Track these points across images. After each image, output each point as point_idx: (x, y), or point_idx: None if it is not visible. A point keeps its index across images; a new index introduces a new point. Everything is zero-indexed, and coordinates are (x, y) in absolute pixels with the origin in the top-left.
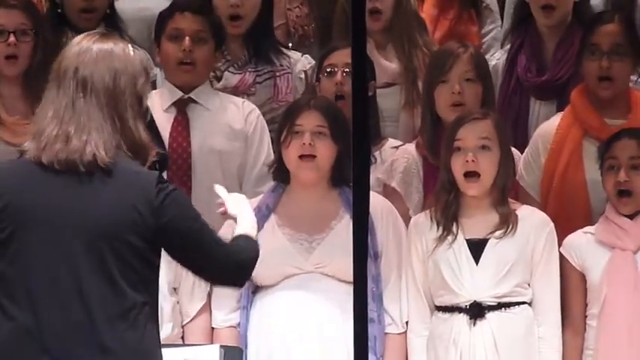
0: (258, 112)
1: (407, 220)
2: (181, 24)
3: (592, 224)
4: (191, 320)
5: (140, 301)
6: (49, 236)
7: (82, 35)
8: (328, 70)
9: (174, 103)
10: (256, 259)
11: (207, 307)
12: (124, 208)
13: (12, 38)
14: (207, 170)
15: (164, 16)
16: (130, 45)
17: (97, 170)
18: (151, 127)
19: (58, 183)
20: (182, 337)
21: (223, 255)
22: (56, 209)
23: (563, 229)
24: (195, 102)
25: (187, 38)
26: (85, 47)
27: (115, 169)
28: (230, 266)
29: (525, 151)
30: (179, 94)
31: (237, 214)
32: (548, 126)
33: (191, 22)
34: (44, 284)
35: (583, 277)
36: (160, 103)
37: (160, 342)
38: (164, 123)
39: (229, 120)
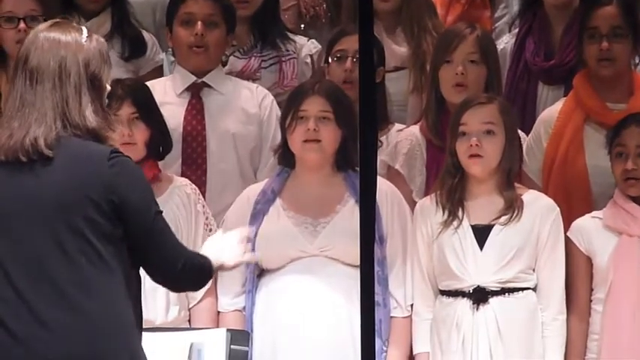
0: (271, 97)
1: (410, 201)
2: (193, 8)
3: (593, 208)
4: (197, 303)
5: (106, 277)
6: (2, 227)
7: (39, 25)
8: (338, 55)
9: (188, 88)
10: (204, 282)
11: (213, 290)
12: (75, 184)
13: (22, 24)
14: (222, 153)
15: (176, 1)
16: (84, 32)
17: (39, 158)
18: (153, 112)
19: (3, 175)
20: (189, 321)
21: (176, 248)
22: (4, 200)
23: (564, 213)
24: (208, 86)
25: (199, 23)
26: (35, 36)
27: (59, 153)
28: (178, 263)
29: (528, 136)
30: (192, 78)
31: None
32: (551, 111)
33: (203, 6)
34: (13, 274)
35: (589, 262)
36: (173, 88)
37: (135, 318)
38: (178, 107)
39: (243, 104)
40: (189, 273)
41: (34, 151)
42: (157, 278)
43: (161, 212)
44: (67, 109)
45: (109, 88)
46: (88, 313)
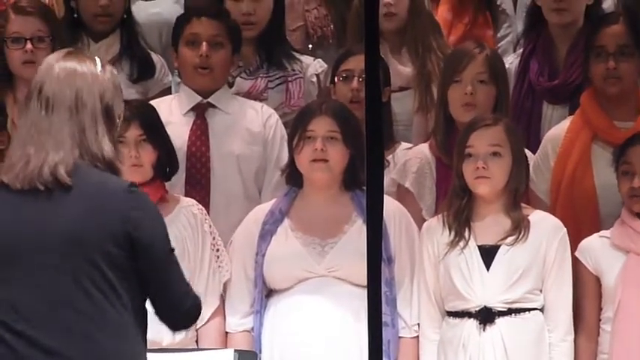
0: (276, 116)
1: (419, 220)
2: (198, 29)
3: (601, 227)
4: (205, 324)
5: (118, 311)
6: (15, 255)
7: (53, 53)
8: (345, 75)
9: (193, 108)
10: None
11: (221, 311)
12: (94, 217)
13: (29, 45)
14: (226, 174)
15: (181, 21)
16: (98, 62)
17: (57, 187)
18: (160, 134)
19: (19, 203)
20: (196, 341)
21: (185, 287)
22: (19, 229)
23: (572, 233)
24: (214, 106)
25: (204, 43)
26: (50, 66)
27: (77, 183)
28: (186, 302)
29: (535, 155)
30: (198, 98)
31: None
32: (558, 129)
33: (208, 27)
34: (22, 302)
35: (598, 282)
36: (178, 108)
37: (144, 351)
38: (183, 127)
39: (248, 124)
40: (193, 313)
41: (53, 179)
42: (162, 314)
43: (173, 250)
44: (85, 138)
45: (119, 121)
46: (102, 347)
